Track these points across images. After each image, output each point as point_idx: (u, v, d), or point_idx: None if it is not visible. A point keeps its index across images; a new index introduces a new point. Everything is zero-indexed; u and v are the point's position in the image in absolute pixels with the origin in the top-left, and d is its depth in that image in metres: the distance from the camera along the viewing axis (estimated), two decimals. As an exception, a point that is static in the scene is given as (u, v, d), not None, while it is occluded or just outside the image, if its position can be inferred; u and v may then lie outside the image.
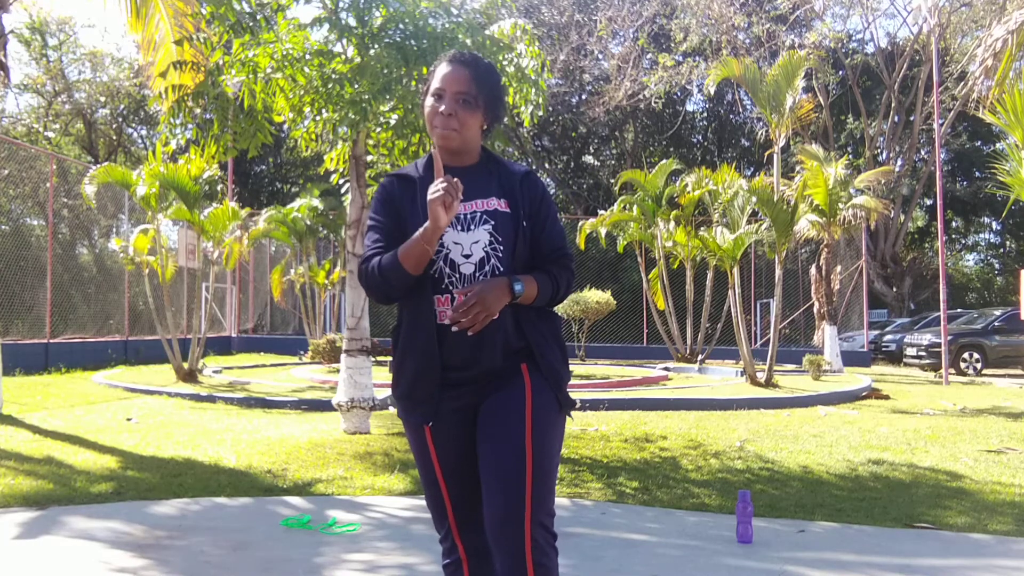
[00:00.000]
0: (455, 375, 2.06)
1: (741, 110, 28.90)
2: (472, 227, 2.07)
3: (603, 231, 18.35)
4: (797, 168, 18.11)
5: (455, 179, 1.95)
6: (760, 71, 13.65)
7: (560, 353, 2.14)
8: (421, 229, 1.97)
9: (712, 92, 18.32)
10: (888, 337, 21.44)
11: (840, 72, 25.52)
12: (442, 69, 2.11)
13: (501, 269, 2.06)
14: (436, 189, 1.93)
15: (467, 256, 2.06)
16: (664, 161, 17.45)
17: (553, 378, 2.09)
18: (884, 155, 26.49)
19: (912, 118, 25.79)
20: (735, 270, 11.66)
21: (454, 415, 2.09)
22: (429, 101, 2.11)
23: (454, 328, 2.00)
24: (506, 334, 2.06)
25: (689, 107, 31.83)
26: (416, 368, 2.07)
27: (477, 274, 2.05)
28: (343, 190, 7.36)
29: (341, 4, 6.37)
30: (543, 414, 2.03)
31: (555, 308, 2.22)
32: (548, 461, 2.01)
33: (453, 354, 2.05)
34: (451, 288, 2.05)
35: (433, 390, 2.05)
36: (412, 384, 2.09)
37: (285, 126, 7.05)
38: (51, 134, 27.30)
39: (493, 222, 2.08)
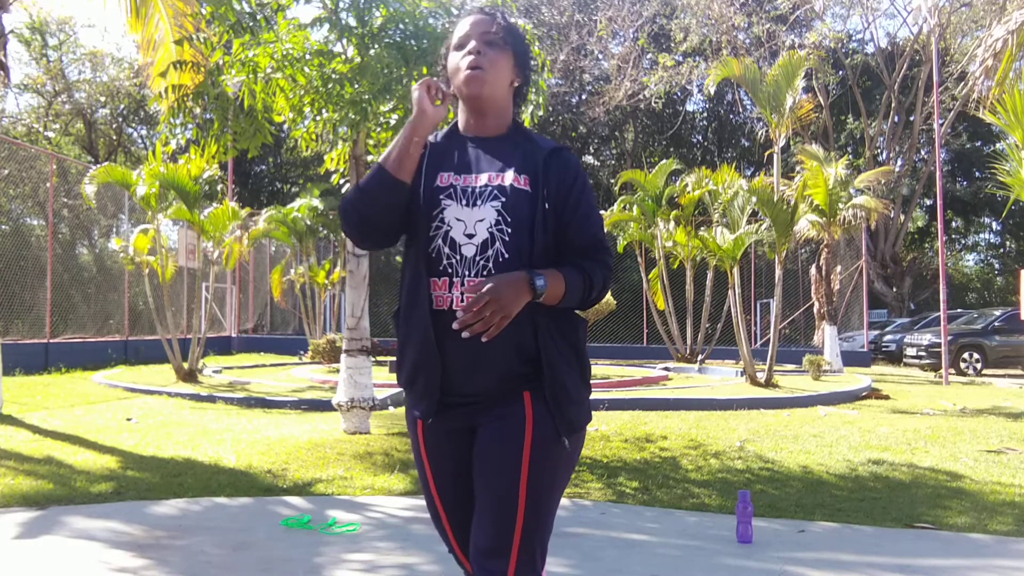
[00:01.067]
0: (447, 388, 1.82)
1: (741, 110, 28.90)
2: (479, 202, 1.82)
3: (603, 231, 18.32)
4: (797, 168, 18.11)
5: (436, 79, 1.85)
6: (760, 71, 13.64)
7: (580, 377, 1.87)
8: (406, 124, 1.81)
9: (712, 92, 18.33)
10: (888, 337, 21.44)
11: (840, 72, 25.52)
12: (463, 23, 1.92)
13: (506, 256, 1.78)
14: (420, 85, 1.82)
15: (470, 236, 1.80)
16: (664, 161, 17.45)
17: (562, 413, 1.81)
18: (884, 155, 26.49)
19: (912, 118, 25.79)
20: (735, 270, 11.65)
21: (449, 435, 1.89)
22: (453, 55, 1.91)
23: (465, 334, 1.72)
24: (520, 342, 1.78)
25: (689, 107, 31.86)
26: (415, 359, 1.83)
27: (478, 258, 1.79)
28: (343, 190, 7.36)
29: (341, 4, 6.36)
30: (543, 449, 1.79)
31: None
32: (543, 502, 1.80)
33: (451, 353, 1.79)
34: (451, 271, 1.80)
35: (434, 383, 1.81)
36: (412, 375, 1.86)
37: (285, 126, 7.05)
38: (51, 134, 27.30)
39: (503, 199, 1.81)
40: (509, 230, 1.80)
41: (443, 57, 1.98)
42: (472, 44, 1.87)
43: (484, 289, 1.70)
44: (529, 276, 1.74)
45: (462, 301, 1.78)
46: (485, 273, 1.79)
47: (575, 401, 1.84)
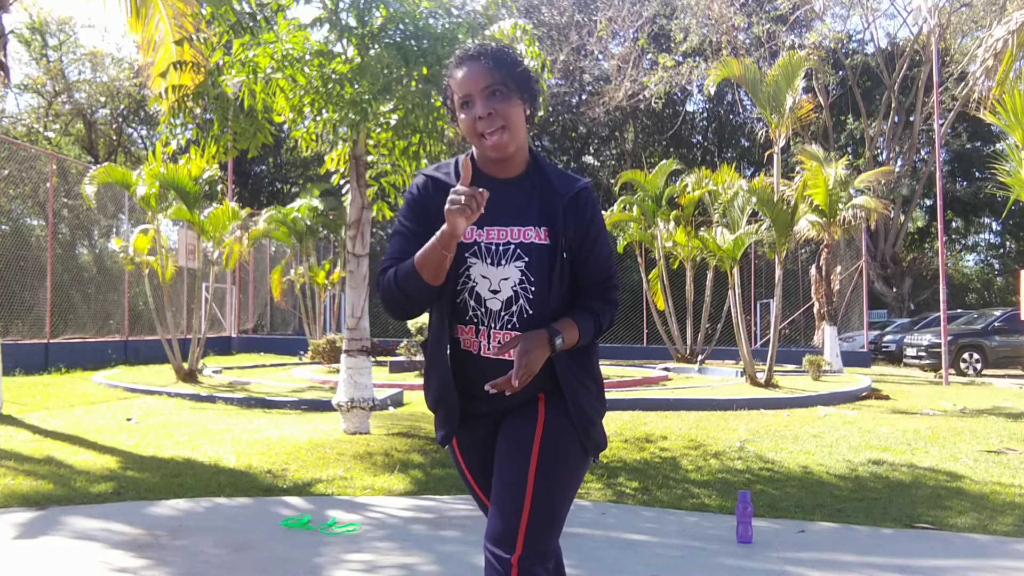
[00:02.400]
0: (477, 407, 1.97)
1: (741, 110, 28.91)
2: (503, 262, 1.90)
3: (603, 231, 18.32)
4: (797, 168, 18.11)
5: (480, 191, 1.75)
6: (760, 71, 13.63)
7: (592, 395, 1.99)
8: (438, 233, 1.79)
9: (712, 92, 18.32)
10: (888, 337, 21.44)
11: (840, 72, 25.53)
12: (458, 75, 1.91)
13: (530, 312, 1.91)
14: (456, 198, 1.74)
15: (494, 292, 1.91)
16: (664, 161, 17.45)
17: (582, 424, 1.94)
18: (884, 155, 26.49)
19: (912, 118, 25.79)
20: (735, 270, 11.65)
21: (479, 442, 2.04)
22: (461, 116, 1.92)
23: (491, 391, 1.86)
24: (535, 379, 1.90)
25: (689, 107, 31.86)
26: (436, 394, 2.00)
27: (503, 313, 1.91)
28: (343, 190, 7.36)
29: (341, 4, 6.36)
30: (553, 444, 1.89)
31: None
32: (552, 491, 1.87)
33: (474, 383, 1.94)
34: (476, 321, 1.92)
35: (452, 416, 1.98)
36: (435, 404, 2.03)
37: (285, 126, 7.04)
38: (51, 134, 27.30)
39: (527, 259, 1.90)
40: (533, 288, 1.91)
41: (448, 112, 2.00)
42: (479, 107, 1.88)
43: (518, 364, 1.82)
44: (550, 336, 1.87)
45: (489, 349, 1.93)
46: (510, 327, 1.92)
47: (596, 424, 1.99)
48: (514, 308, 1.91)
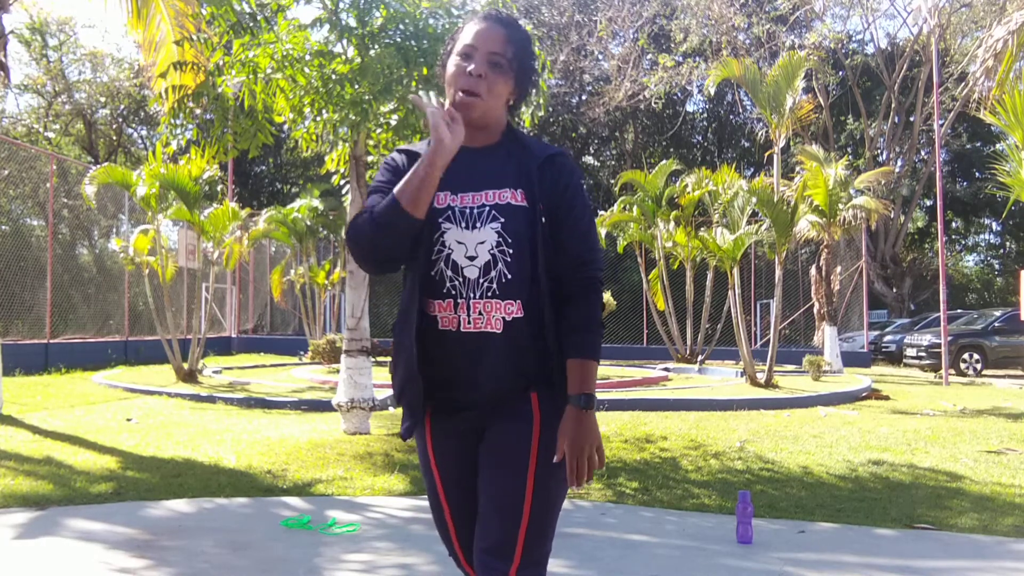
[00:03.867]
0: (455, 396, 1.85)
1: (741, 111, 28.91)
2: (478, 224, 1.80)
3: (603, 231, 18.32)
4: (797, 169, 18.11)
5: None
6: (760, 72, 13.64)
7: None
8: (423, 155, 1.72)
9: (712, 93, 18.35)
10: (888, 338, 21.44)
11: (840, 73, 25.53)
12: (474, 26, 1.85)
13: (509, 276, 1.79)
14: (434, 111, 1.73)
15: (471, 258, 1.79)
16: (664, 162, 17.45)
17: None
18: (884, 156, 26.49)
19: (912, 119, 25.79)
20: (735, 271, 11.65)
21: (459, 438, 1.91)
22: (454, 60, 1.85)
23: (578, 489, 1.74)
24: (522, 365, 1.81)
25: (689, 107, 31.86)
26: (402, 377, 1.87)
27: (482, 280, 1.79)
28: (344, 191, 7.36)
29: (341, 4, 6.37)
30: (550, 449, 1.80)
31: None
32: (549, 501, 1.81)
33: (449, 369, 1.83)
34: (455, 292, 1.79)
35: (416, 401, 1.85)
36: (400, 391, 1.89)
37: (285, 126, 7.05)
38: (51, 134, 27.31)
39: (503, 219, 1.80)
40: (511, 251, 1.80)
41: (443, 55, 1.92)
42: (474, 65, 1.81)
43: (578, 467, 1.75)
44: (585, 408, 1.77)
45: (469, 323, 1.80)
46: (490, 295, 1.79)
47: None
48: (492, 273, 1.79)
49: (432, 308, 1.82)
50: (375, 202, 1.81)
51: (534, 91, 1.98)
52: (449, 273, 1.80)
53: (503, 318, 1.79)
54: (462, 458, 1.90)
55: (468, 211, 1.82)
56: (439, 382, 1.84)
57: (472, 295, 1.80)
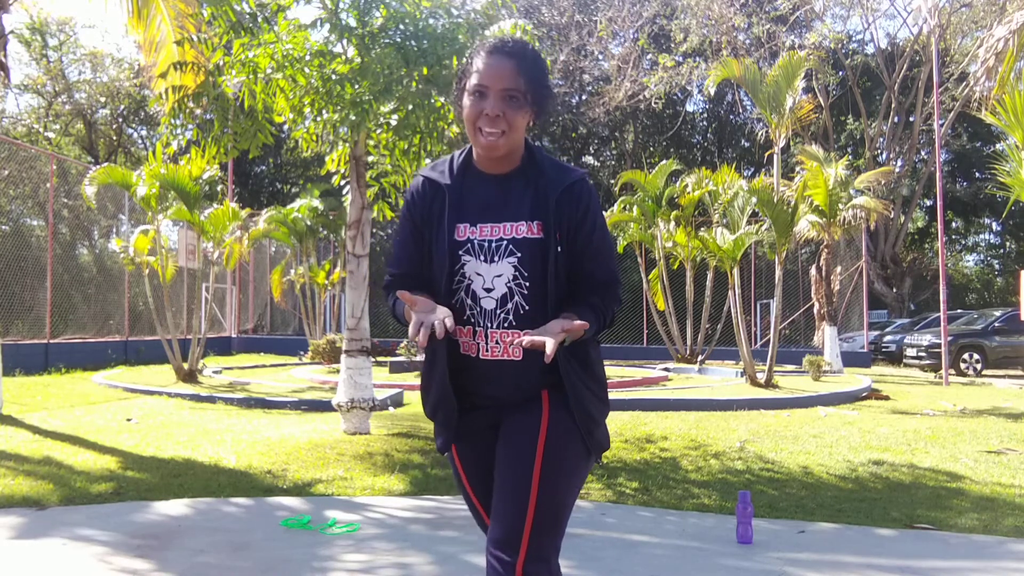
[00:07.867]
0: (474, 401, 1.97)
1: (741, 111, 28.91)
2: (496, 258, 1.88)
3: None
4: (797, 169, 18.12)
5: (441, 319, 1.67)
6: (760, 72, 13.63)
7: (595, 395, 1.94)
8: (407, 306, 1.77)
9: (712, 93, 18.34)
10: (888, 338, 21.44)
11: (840, 73, 25.53)
12: (482, 62, 1.86)
13: (526, 308, 1.87)
14: (417, 321, 1.69)
15: (488, 290, 1.88)
16: (664, 162, 17.44)
17: (585, 424, 1.90)
18: (884, 156, 26.49)
19: (912, 119, 25.79)
20: (735, 271, 11.65)
21: (478, 435, 1.99)
22: (468, 100, 1.88)
23: (524, 344, 1.75)
24: (541, 366, 1.84)
25: (689, 108, 31.87)
26: (435, 398, 1.98)
27: (499, 311, 1.88)
28: (344, 191, 7.36)
29: (341, 4, 6.36)
30: (557, 445, 1.86)
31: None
32: (557, 494, 1.84)
33: (476, 384, 1.94)
34: (473, 321, 1.89)
35: (451, 420, 1.96)
36: (434, 409, 2.00)
37: (285, 127, 7.05)
38: (51, 134, 27.31)
39: (519, 254, 1.87)
40: (527, 284, 1.88)
41: (455, 90, 1.96)
42: (490, 104, 1.84)
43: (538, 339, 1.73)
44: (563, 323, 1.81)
45: (487, 351, 1.90)
46: (506, 325, 1.89)
47: (600, 424, 1.96)
48: (509, 306, 1.87)
49: (455, 333, 1.91)
50: (399, 257, 1.97)
51: (549, 109, 1.99)
52: (468, 302, 1.90)
53: (522, 347, 1.83)
54: (484, 456, 1.99)
55: (487, 244, 1.89)
56: (460, 391, 1.95)
57: (490, 325, 1.89)
